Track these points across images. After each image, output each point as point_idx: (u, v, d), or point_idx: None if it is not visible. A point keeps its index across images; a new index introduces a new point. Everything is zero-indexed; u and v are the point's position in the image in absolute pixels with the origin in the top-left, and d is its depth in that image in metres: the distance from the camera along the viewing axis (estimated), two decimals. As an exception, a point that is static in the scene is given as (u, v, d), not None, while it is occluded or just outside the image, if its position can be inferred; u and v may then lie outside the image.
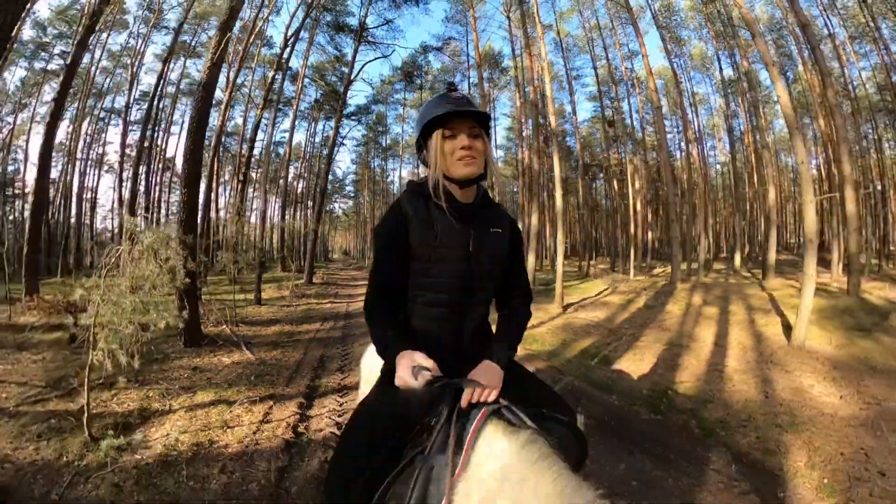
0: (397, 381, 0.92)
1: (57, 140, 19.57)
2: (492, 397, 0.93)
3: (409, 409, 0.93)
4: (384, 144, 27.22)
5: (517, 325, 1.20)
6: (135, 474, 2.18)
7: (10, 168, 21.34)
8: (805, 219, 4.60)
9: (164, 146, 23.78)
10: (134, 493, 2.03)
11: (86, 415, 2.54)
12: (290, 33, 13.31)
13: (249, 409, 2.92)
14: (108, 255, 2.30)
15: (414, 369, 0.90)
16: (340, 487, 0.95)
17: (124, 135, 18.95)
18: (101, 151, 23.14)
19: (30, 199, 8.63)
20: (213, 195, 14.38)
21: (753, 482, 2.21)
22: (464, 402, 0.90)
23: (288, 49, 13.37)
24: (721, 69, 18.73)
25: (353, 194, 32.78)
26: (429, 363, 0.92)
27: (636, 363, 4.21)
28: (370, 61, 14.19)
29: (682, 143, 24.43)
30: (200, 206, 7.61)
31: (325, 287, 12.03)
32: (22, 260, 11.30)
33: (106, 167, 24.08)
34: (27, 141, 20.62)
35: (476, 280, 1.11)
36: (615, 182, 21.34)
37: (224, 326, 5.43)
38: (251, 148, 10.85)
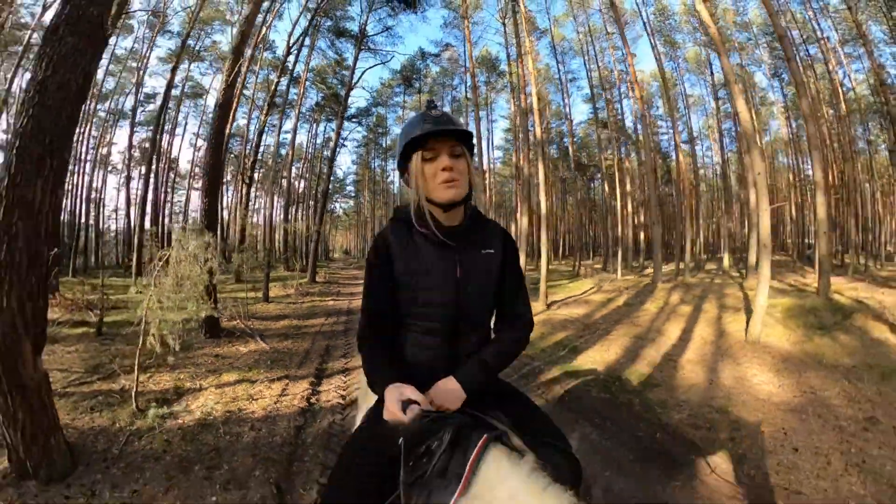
0: (386, 415, 0.91)
1: None
2: (451, 409, 0.98)
3: (402, 443, 0.89)
4: (384, 145, 27.76)
5: (498, 354, 1.13)
6: (180, 433, 2.72)
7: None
8: (760, 226, 5.09)
9: (169, 147, 24.35)
10: (181, 446, 2.57)
11: (134, 389, 3.08)
12: (292, 41, 13.84)
13: (269, 386, 3.48)
14: (158, 258, 2.85)
15: (403, 403, 0.89)
16: None
17: (131, 137, 19.50)
18: (104, 152, 23.66)
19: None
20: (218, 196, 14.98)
21: (674, 448, 2.73)
22: (413, 413, 0.89)
23: (291, 56, 13.88)
24: (712, 73, 19.24)
25: (353, 194, 33.34)
26: (418, 396, 0.91)
27: (602, 353, 4.73)
28: (370, 67, 14.75)
29: (680, 145, 24.94)
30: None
31: (327, 286, 12.61)
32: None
33: (110, 168, 24.63)
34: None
35: (466, 307, 1.08)
36: (607, 183, 21.79)
37: (237, 321, 5.98)
38: (256, 152, 11.37)
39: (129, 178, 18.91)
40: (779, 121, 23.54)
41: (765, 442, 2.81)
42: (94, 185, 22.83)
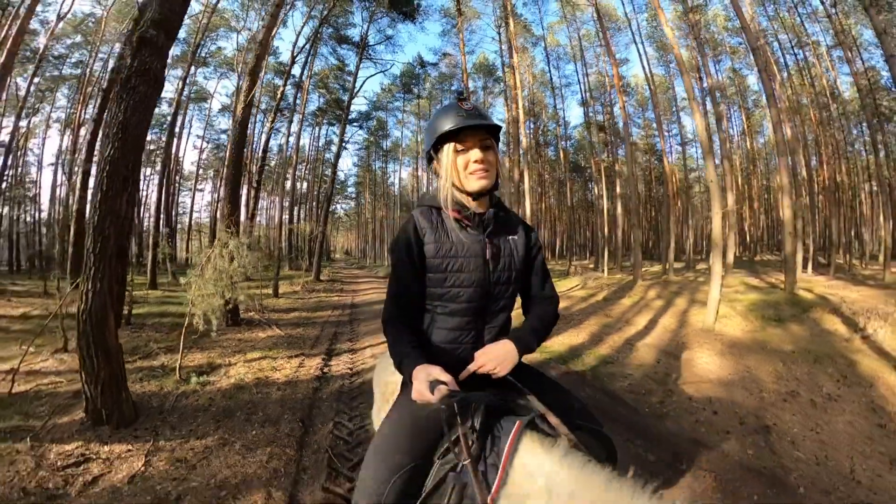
0: (414, 395, 0.92)
1: (65, 143, 20.75)
2: (501, 373, 1.00)
3: (432, 424, 0.92)
4: (385, 148, 28.47)
5: (541, 319, 1.20)
6: (219, 393, 3.40)
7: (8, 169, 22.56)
8: (713, 227, 5.73)
9: (175, 150, 25.08)
10: (223, 401, 3.24)
11: (179, 361, 3.76)
12: (296, 51, 14.50)
13: (288, 361, 4.16)
14: (204, 254, 3.54)
15: (431, 384, 0.90)
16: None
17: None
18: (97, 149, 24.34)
19: (74, 206, 9.84)
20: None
21: (609, 405, 3.38)
22: (463, 374, 0.96)
23: (297, 66, 14.54)
24: (701, 77, 19.85)
25: (354, 195, 34.07)
26: (446, 377, 0.91)
27: (571, 338, 5.35)
28: (371, 76, 15.39)
29: (670, 147, 25.57)
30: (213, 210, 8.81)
31: (331, 283, 13.31)
32: (41, 256, 12.58)
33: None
34: (43, 144, 21.91)
35: (495, 287, 1.13)
36: (597, 185, 22.43)
37: (252, 312, 6.66)
38: (263, 157, 12.03)
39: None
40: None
41: (689, 405, 3.44)
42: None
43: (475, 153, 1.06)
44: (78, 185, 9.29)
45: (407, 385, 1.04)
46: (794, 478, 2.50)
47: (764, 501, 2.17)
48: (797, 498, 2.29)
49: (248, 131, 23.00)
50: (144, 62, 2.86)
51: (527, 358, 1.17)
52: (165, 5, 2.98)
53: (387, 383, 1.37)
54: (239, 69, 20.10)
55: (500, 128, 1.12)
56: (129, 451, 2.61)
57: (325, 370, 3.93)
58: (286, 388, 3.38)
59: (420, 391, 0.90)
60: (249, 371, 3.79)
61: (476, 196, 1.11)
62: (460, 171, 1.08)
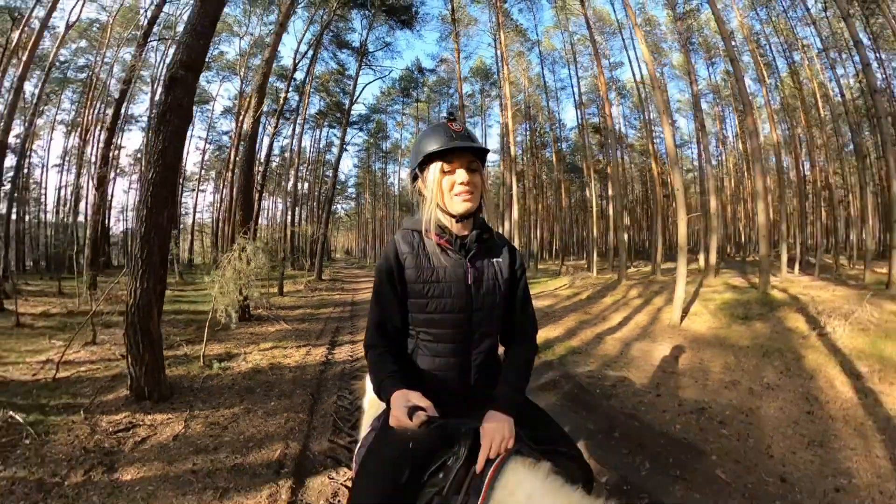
0: (392, 422, 0.93)
1: (70, 144, 21.34)
2: (509, 446, 0.95)
3: (417, 450, 0.91)
4: (385, 149, 29.10)
5: (524, 364, 1.20)
6: (240, 375, 4.02)
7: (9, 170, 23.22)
8: (679, 232, 6.32)
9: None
10: (243, 381, 3.86)
11: (203, 349, 4.38)
12: (298, 58, 15.09)
13: (297, 350, 4.80)
14: (225, 257, 4.16)
15: (409, 409, 0.90)
16: None
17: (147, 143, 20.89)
18: (110, 155, 25.04)
19: (90, 211, 10.46)
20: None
21: (567, 385, 3.97)
22: (479, 465, 0.89)
23: (299, 72, 15.14)
24: (691, 81, 20.40)
25: (354, 196, 34.73)
26: (424, 403, 0.92)
27: (548, 332, 5.94)
28: (371, 82, 16.08)
29: (665, 149, 26.06)
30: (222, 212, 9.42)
31: (332, 283, 13.97)
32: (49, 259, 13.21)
33: (118, 171, 26.02)
34: (49, 145, 22.59)
35: (477, 313, 1.12)
36: (589, 186, 23.02)
37: (260, 309, 7.29)
38: (267, 160, 12.63)
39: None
40: (767, 124, 24.71)
41: (636, 389, 3.97)
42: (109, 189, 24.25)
43: (461, 175, 1.08)
44: (94, 192, 9.91)
45: (387, 412, 1.02)
46: (712, 448, 2.86)
47: (670, 455, 2.74)
48: (708, 464, 2.66)
49: (247, 132, 23.55)
50: (177, 98, 3.48)
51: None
52: (191, 50, 3.59)
53: (373, 404, 1.37)
54: (242, 73, 20.76)
55: (487, 151, 1.13)
56: (170, 418, 3.22)
57: (330, 357, 4.57)
58: (297, 371, 4.02)
59: (398, 417, 0.90)
60: (264, 358, 4.42)
61: (459, 219, 1.12)
62: (445, 193, 1.10)
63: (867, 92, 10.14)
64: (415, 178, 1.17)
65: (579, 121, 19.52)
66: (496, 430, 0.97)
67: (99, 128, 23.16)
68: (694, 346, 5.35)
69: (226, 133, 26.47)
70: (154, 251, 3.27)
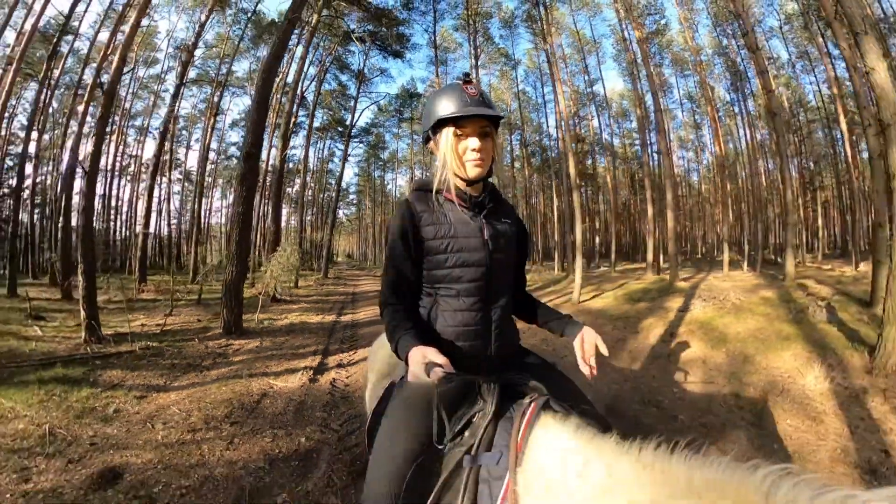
0: (410, 377, 0.97)
1: (86, 151, 24.40)
2: (603, 350, 1.16)
3: (438, 408, 0.93)
4: (384, 158, 32.01)
5: (546, 306, 1.40)
6: (283, 327, 6.87)
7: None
8: (575, 236, 8.99)
9: (185, 160, 28.79)
10: (285, 328, 6.70)
11: (257, 314, 7.21)
12: (304, 82, 18.01)
13: (315, 316, 7.68)
14: (273, 256, 7.01)
15: (427, 366, 0.92)
16: None
17: (160, 150, 23.92)
18: (123, 164, 27.99)
19: (140, 218, 13.33)
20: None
21: None
22: (584, 361, 1.14)
23: (304, 86, 18.04)
24: (668, 91, 23.11)
25: (355, 202, 37.67)
26: (441, 359, 0.94)
27: None
28: (368, 106, 18.85)
29: (650, 155, 28.63)
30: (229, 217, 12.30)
31: (336, 280, 16.87)
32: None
33: (128, 177, 29.05)
34: (77, 155, 25.62)
35: (496, 267, 1.18)
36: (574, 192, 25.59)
37: (285, 296, 10.13)
38: (281, 177, 15.49)
39: (162, 187, 23.29)
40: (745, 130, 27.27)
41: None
42: (121, 195, 27.31)
43: (473, 141, 1.11)
44: (143, 207, 12.78)
45: (404, 373, 1.05)
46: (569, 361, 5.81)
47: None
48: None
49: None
50: (250, 165, 6.33)
51: (526, 343, 1.35)
52: (255, 137, 6.44)
53: (383, 361, 1.47)
54: (252, 90, 23.76)
55: (501, 117, 1.16)
56: (249, 342, 6.03)
57: (337, 320, 7.43)
58: (317, 325, 6.87)
59: (415, 373, 0.94)
60: (296, 319, 7.27)
61: (471, 182, 1.16)
62: (457, 157, 1.13)
63: (767, 114, 12.59)
64: (427, 140, 1.21)
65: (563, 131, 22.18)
66: (589, 332, 1.24)
67: (117, 138, 26.28)
68: (578, 315, 8.04)
69: (233, 144, 29.51)
70: (241, 252, 6.12)
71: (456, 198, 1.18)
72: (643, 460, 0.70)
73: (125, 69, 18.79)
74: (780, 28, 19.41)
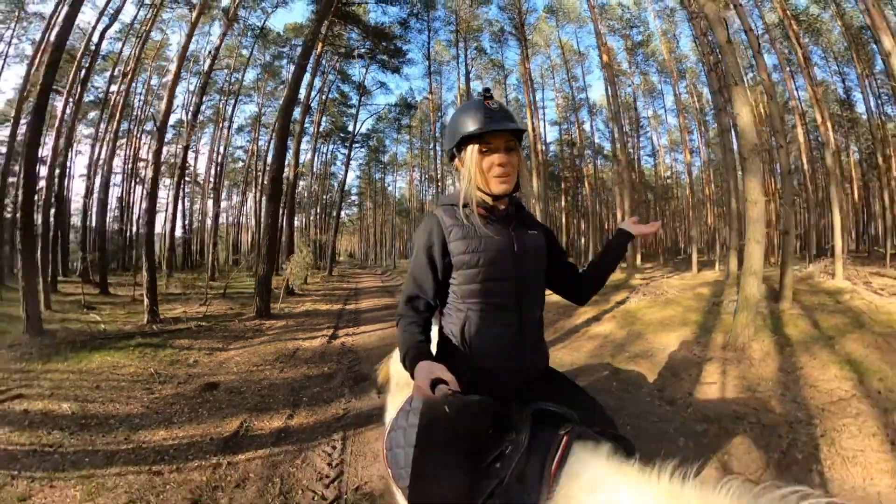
0: (415, 391, 0.99)
1: (96, 156, 26.13)
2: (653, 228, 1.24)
3: (473, 433, 0.92)
4: (384, 161, 33.84)
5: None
6: (301, 312, 8.71)
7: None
8: None
9: (195, 164, 30.69)
10: (304, 312, 8.53)
11: (280, 301, 9.04)
12: (311, 94, 19.76)
13: (326, 305, 9.54)
14: (289, 256, 8.83)
15: (432, 382, 0.94)
16: None
17: (185, 158, 25.80)
18: (132, 166, 29.87)
19: (167, 222, 15.18)
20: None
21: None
22: (645, 230, 1.28)
23: (311, 100, 19.86)
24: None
25: (357, 203, 39.53)
26: (447, 376, 0.95)
27: None
28: (369, 117, 20.66)
29: (636, 157, 30.32)
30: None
31: (340, 277, 18.77)
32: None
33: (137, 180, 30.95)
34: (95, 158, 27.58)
35: (527, 281, 1.20)
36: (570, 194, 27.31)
37: (298, 291, 11.97)
38: (294, 187, 17.32)
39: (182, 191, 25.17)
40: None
41: None
42: (133, 198, 29.21)
43: (499, 157, 1.13)
44: (171, 218, 14.60)
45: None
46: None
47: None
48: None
49: (261, 148, 28.28)
50: (276, 188, 8.17)
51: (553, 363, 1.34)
52: (278, 164, 8.26)
53: (401, 374, 1.42)
54: (261, 101, 25.65)
55: (524, 131, 1.19)
56: (277, 322, 7.87)
57: (344, 307, 9.26)
58: (327, 311, 8.68)
59: (421, 388, 0.95)
60: (310, 307, 9.10)
61: (497, 198, 1.18)
62: (482, 174, 1.14)
63: (720, 132, 14.16)
64: (451, 157, 1.23)
65: (559, 136, 23.88)
66: (642, 224, 1.32)
67: (126, 143, 28.16)
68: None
69: (239, 147, 31.39)
70: (270, 254, 7.96)
71: (484, 211, 1.19)
72: (672, 491, 0.72)
73: (133, 75, 20.48)
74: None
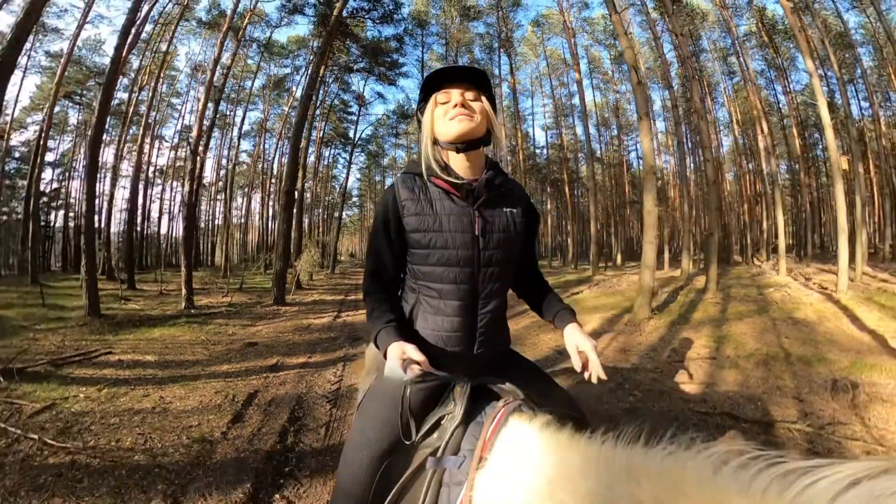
0: (386, 371, 0.95)
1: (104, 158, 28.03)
2: (597, 369, 1.04)
3: (412, 406, 0.93)
4: (383, 164, 35.74)
5: (554, 292, 1.28)
6: (310, 301, 10.60)
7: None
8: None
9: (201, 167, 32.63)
10: (313, 301, 10.43)
11: (291, 293, 10.94)
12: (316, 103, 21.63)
13: (331, 296, 11.43)
14: (299, 255, 10.72)
15: (404, 362, 0.93)
16: (349, 501, 0.97)
17: (194, 161, 27.77)
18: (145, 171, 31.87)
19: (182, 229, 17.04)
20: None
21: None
22: (577, 367, 1.01)
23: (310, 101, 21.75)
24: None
25: (357, 204, 41.42)
26: (419, 357, 0.94)
27: None
28: (367, 126, 22.53)
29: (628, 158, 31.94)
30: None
31: (342, 275, 20.75)
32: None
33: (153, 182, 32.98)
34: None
35: (485, 268, 1.08)
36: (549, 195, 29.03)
37: (305, 286, 13.85)
38: (301, 195, 19.19)
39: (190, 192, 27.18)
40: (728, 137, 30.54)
41: None
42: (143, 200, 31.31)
43: (455, 95, 1.03)
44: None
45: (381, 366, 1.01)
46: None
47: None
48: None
49: (267, 153, 30.15)
50: (289, 200, 10.07)
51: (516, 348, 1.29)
52: (291, 179, 10.15)
53: (374, 359, 1.43)
54: (267, 108, 27.57)
55: (487, 78, 1.08)
56: (291, 307, 9.77)
57: (345, 299, 11.15)
58: (331, 301, 10.58)
59: (392, 368, 0.93)
60: (317, 298, 11.00)
61: (461, 149, 1.05)
62: (439, 121, 1.04)
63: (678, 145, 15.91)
64: (420, 121, 1.13)
65: (546, 139, 25.61)
66: (586, 340, 1.09)
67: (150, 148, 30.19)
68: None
69: (243, 151, 33.36)
70: (285, 253, 9.86)
71: (446, 184, 1.06)
72: (592, 451, 0.71)
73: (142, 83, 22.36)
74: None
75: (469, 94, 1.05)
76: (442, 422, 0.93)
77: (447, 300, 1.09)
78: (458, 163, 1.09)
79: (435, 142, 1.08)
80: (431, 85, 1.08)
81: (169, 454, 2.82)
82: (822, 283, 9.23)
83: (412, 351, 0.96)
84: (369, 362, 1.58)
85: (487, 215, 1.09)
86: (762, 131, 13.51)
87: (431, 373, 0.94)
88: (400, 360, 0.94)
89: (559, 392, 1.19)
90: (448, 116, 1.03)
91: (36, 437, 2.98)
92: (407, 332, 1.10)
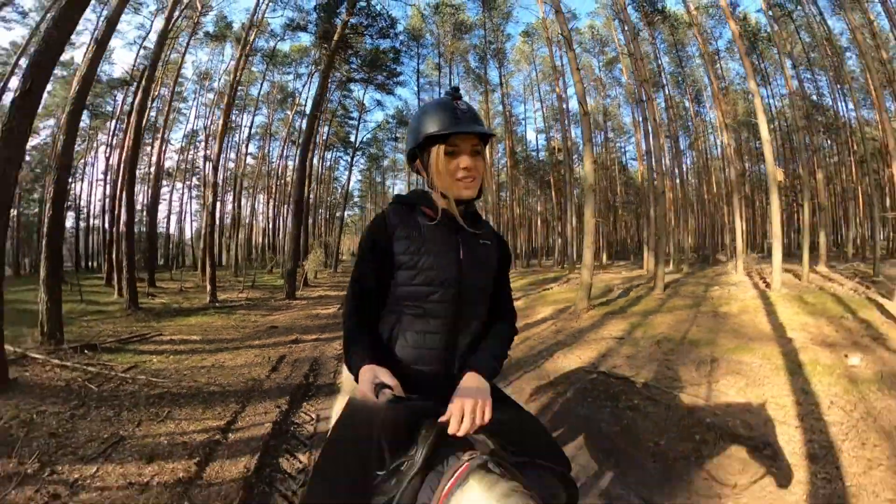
0: (358, 395, 0.97)
1: (112, 161, 29.80)
2: (487, 417, 0.94)
3: (375, 435, 0.89)
4: (383, 166, 37.43)
5: (502, 340, 1.25)
6: (316, 296, 12.34)
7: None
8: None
9: (204, 170, 34.41)
10: (319, 296, 12.17)
11: (300, 289, 12.68)
12: (319, 107, 23.30)
13: (334, 292, 13.14)
14: (307, 255, 12.46)
15: (376, 386, 0.93)
16: None
17: (205, 165, 29.57)
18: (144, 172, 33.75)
19: (206, 232, 18.76)
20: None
21: None
22: (451, 430, 0.90)
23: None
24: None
25: (358, 205, 43.11)
26: (391, 381, 0.95)
27: None
28: (367, 133, 24.22)
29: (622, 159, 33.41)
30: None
31: (344, 274, 22.48)
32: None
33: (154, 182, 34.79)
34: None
35: (468, 290, 1.16)
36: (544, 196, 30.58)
37: (310, 283, 15.58)
38: (307, 200, 20.93)
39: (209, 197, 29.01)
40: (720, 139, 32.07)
41: None
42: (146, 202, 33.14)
43: (464, 160, 1.10)
44: (205, 225, 18.24)
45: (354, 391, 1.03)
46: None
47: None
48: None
49: (271, 156, 31.95)
50: (299, 206, 11.81)
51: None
52: (299, 190, 11.88)
53: (345, 382, 1.46)
54: (270, 112, 29.30)
55: (493, 135, 1.18)
56: (300, 301, 11.55)
57: (344, 294, 12.84)
58: (335, 296, 12.31)
59: (364, 392, 0.94)
60: (323, 293, 12.74)
61: (460, 203, 1.15)
62: (446, 176, 1.11)
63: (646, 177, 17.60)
64: (413, 158, 1.18)
65: (536, 142, 27.19)
66: (469, 394, 0.97)
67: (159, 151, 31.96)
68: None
69: (249, 154, 35.09)
70: (295, 255, 11.60)
71: (433, 213, 1.17)
72: None
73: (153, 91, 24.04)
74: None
75: (476, 148, 1.13)
76: (401, 467, 0.87)
77: (431, 318, 1.14)
78: (450, 204, 1.16)
79: (438, 188, 1.14)
80: (435, 129, 1.10)
81: (233, 386, 4.53)
82: (772, 282, 10.48)
83: (385, 375, 0.97)
84: (345, 384, 1.61)
85: (469, 244, 1.18)
86: (728, 139, 15.09)
87: (405, 397, 0.93)
88: (372, 384, 0.94)
89: (537, 431, 1.18)
90: (455, 177, 1.11)
91: (143, 377, 4.68)
92: (384, 356, 1.12)
